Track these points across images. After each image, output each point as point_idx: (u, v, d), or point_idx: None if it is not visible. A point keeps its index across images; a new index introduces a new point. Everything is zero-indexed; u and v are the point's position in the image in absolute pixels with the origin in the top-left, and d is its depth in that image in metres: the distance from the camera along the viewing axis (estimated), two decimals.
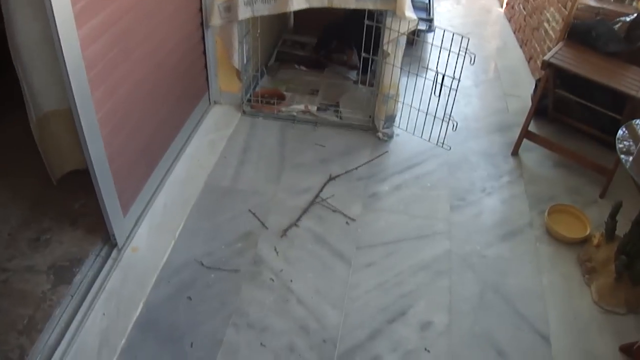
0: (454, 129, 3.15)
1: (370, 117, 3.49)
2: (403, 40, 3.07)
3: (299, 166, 3.22)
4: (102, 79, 2.23)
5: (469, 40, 2.84)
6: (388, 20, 2.98)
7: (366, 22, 3.08)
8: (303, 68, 4.10)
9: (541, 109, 3.66)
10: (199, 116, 3.48)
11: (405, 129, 3.48)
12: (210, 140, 3.36)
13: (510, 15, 5.61)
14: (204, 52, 3.35)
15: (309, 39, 4.42)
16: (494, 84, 4.35)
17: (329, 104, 3.68)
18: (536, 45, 4.52)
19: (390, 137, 3.46)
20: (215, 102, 3.66)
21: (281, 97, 3.66)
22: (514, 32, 5.31)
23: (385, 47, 3.06)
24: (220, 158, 3.24)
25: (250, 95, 3.60)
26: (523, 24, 5.02)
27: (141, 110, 2.64)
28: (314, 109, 3.57)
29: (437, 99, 3.08)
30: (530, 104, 3.88)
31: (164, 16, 2.75)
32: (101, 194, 2.35)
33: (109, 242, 2.58)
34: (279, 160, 3.26)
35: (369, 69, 3.47)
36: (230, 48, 3.25)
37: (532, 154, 3.51)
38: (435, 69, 3.01)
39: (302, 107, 3.58)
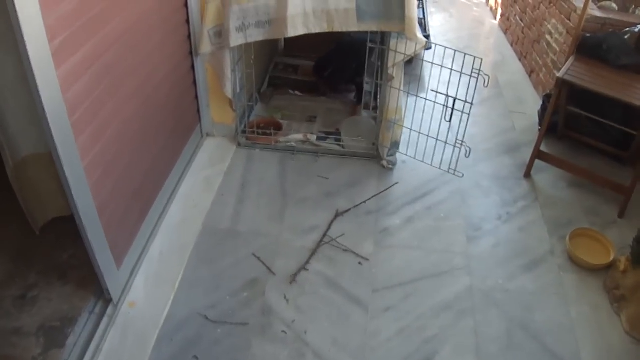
0: (467, 155, 2.95)
1: (374, 144, 3.28)
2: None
3: (303, 202, 3.01)
4: (87, 122, 2.01)
5: (482, 61, 2.65)
6: (393, 42, 2.79)
7: (369, 44, 2.88)
8: (298, 93, 3.91)
9: (549, 125, 3.47)
10: (192, 151, 3.26)
11: (412, 155, 3.28)
12: (205, 177, 3.15)
13: (505, 27, 5.45)
14: (194, 82, 3.14)
15: (302, 61, 4.22)
16: (497, 101, 4.17)
17: (329, 132, 3.48)
18: (537, 58, 4.36)
19: (394, 164, 3.27)
20: (208, 135, 3.44)
21: (278, 127, 3.46)
22: (512, 45, 5.15)
23: (390, 71, 2.86)
24: (217, 196, 3.02)
25: (245, 126, 3.39)
26: (521, 36, 4.86)
27: (131, 151, 2.42)
28: (313, 138, 3.37)
29: (449, 124, 2.88)
30: (536, 120, 3.74)
31: (151, 47, 2.54)
32: (91, 246, 2.12)
33: (103, 297, 2.34)
34: (280, 195, 3.05)
35: (371, 93, 3.27)
36: (222, 76, 3.04)
37: (545, 174, 3.35)
38: (440, 90, 2.82)
39: (300, 136, 3.38)
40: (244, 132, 3.36)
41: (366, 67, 3.05)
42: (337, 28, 2.78)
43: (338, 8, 2.71)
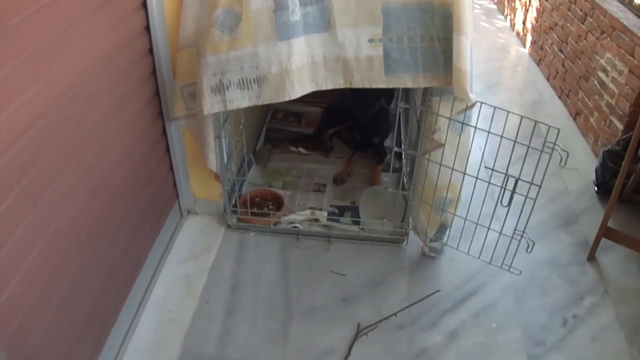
0: (529, 250, 2.23)
1: (401, 225, 2.54)
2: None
3: (313, 312, 2.28)
4: None
5: (559, 132, 1.92)
6: (435, 100, 2.04)
7: (402, 105, 2.14)
8: (302, 150, 3.16)
9: (604, 184, 2.95)
10: (169, 237, 2.53)
11: (454, 244, 2.54)
12: (186, 274, 2.42)
13: (538, 57, 4.72)
14: (168, 150, 2.40)
15: (307, 108, 3.47)
16: (529, 141, 3.42)
17: (343, 206, 2.74)
18: (586, 98, 3.62)
19: (438, 252, 2.54)
20: (189, 212, 2.69)
21: (278, 201, 2.72)
22: (548, 79, 4.42)
23: (434, 137, 2.12)
24: (201, 304, 2.29)
25: (236, 202, 2.63)
26: (561, 69, 4.12)
27: (78, 267, 1.73)
28: (323, 216, 2.64)
29: (507, 209, 2.14)
30: (592, 177, 3.11)
31: (102, 112, 1.84)
32: None
33: None
34: (283, 302, 2.32)
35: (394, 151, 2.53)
36: (204, 145, 2.31)
37: (612, 254, 2.65)
38: (489, 161, 2.13)
39: (307, 214, 2.65)
40: (234, 210, 2.62)
41: (395, 133, 2.31)
42: (358, 83, 2.05)
43: (359, 56, 1.98)
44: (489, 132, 2.12)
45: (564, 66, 4.11)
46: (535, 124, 2.00)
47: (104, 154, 1.87)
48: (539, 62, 4.74)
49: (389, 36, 1.95)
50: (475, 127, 2.14)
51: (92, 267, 1.82)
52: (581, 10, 3.83)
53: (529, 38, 5.07)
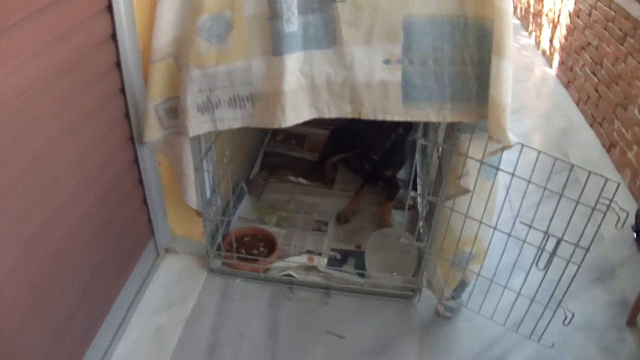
0: (567, 322, 1.82)
1: (413, 280, 2.14)
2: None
3: None
4: None
5: (618, 186, 1.53)
6: (464, 138, 1.64)
7: (421, 141, 1.74)
8: (303, 181, 2.76)
9: None
10: (141, 280, 2.16)
11: (475, 308, 2.13)
12: (157, 327, 2.04)
13: (567, 80, 4.32)
14: (140, 182, 2.01)
15: (311, 129, 3.08)
16: (572, 190, 3.00)
17: (346, 251, 2.34)
18: (623, 129, 3.22)
19: (455, 311, 2.13)
20: (167, 251, 2.30)
21: (270, 242, 2.32)
22: (577, 104, 4.02)
23: (461, 182, 1.72)
24: None
25: (222, 242, 2.23)
26: (594, 94, 3.72)
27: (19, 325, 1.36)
28: (322, 262, 2.24)
29: (544, 272, 1.75)
30: (630, 222, 2.67)
31: (50, 137, 1.48)
32: None
33: None
34: None
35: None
36: (182, 177, 1.94)
37: None
38: (524, 218, 1.75)
39: (303, 259, 2.25)
40: (218, 252, 2.21)
41: (414, 172, 1.91)
42: (368, 113, 1.66)
43: (371, 81, 1.59)
44: (513, 175, 1.72)
45: (597, 91, 3.71)
46: (589, 175, 1.59)
47: (53, 189, 1.50)
48: (567, 85, 4.34)
49: (409, 57, 1.56)
50: (498, 169, 1.74)
51: (32, 329, 1.44)
52: (620, 30, 3.43)
53: (557, 58, 4.68)
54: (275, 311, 2.15)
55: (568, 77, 4.34)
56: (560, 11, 4.71)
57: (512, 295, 1.97)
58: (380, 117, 1.65)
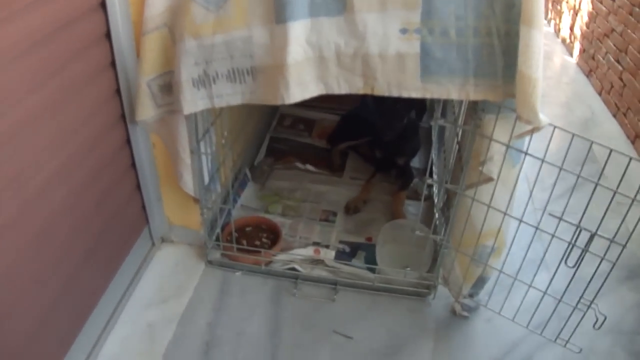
0: (597, 326, 1.66)
1: (428, 276, 1.99)
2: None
3: None
4: None
5: None
6: (488, 119, 1.47)
7: (440, 121, 1.57)
8: (311, 168, 2.60)
9: None
10: (133, 271, 2.01)
11: (496, 308, 1.98)
12: (150, 323, 1.89)
13: (588, 68, 4.14)
14: (133, 165, 1.85)
15: (320, 114, 2.91)
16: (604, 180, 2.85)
17: (355, 243, 2.19)
18: None
19: (472, 311, 1.98)
20: (163, 240, 2.15)
21: (274, 232, 2.16)
22: (600, 94, 3.83)
23: (484, 168, 1.55)
24: None
25: (221, 232, 2.08)
26: (618, 83, 3.54)
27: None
28: (330, 256, 2.09)
29: (573, 270, 1.59)
30: None
31: (29, 112, 1.32)
32: None
33: None
34: None
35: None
36: (177, 160, 1.78)
37: None
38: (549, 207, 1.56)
39: (309, 252, 2.09)
40: (217, 242, 2.06)
41: (430, 159, 1.75)
42: (382, 88, 1.49)
43: (385, 52, 1.42)
44: (543, 160, 1.55)
45: (621, 80, 3.52)
46: (629, 161, 1.42)
47: (32, 167, 1.36)
48: (588, 74, 4.16)
49: (429, 26, 1.39)
50: (526, 153, 1.57)
51: (6, 322, 1.30)
52: None
53: (577, 46, 4.49)
54: (277, 308, 2.00)
55: (590, 65, 4.16)
56: None
57: (534, 295, 1.80)
58: (395, 93, 1.48)
